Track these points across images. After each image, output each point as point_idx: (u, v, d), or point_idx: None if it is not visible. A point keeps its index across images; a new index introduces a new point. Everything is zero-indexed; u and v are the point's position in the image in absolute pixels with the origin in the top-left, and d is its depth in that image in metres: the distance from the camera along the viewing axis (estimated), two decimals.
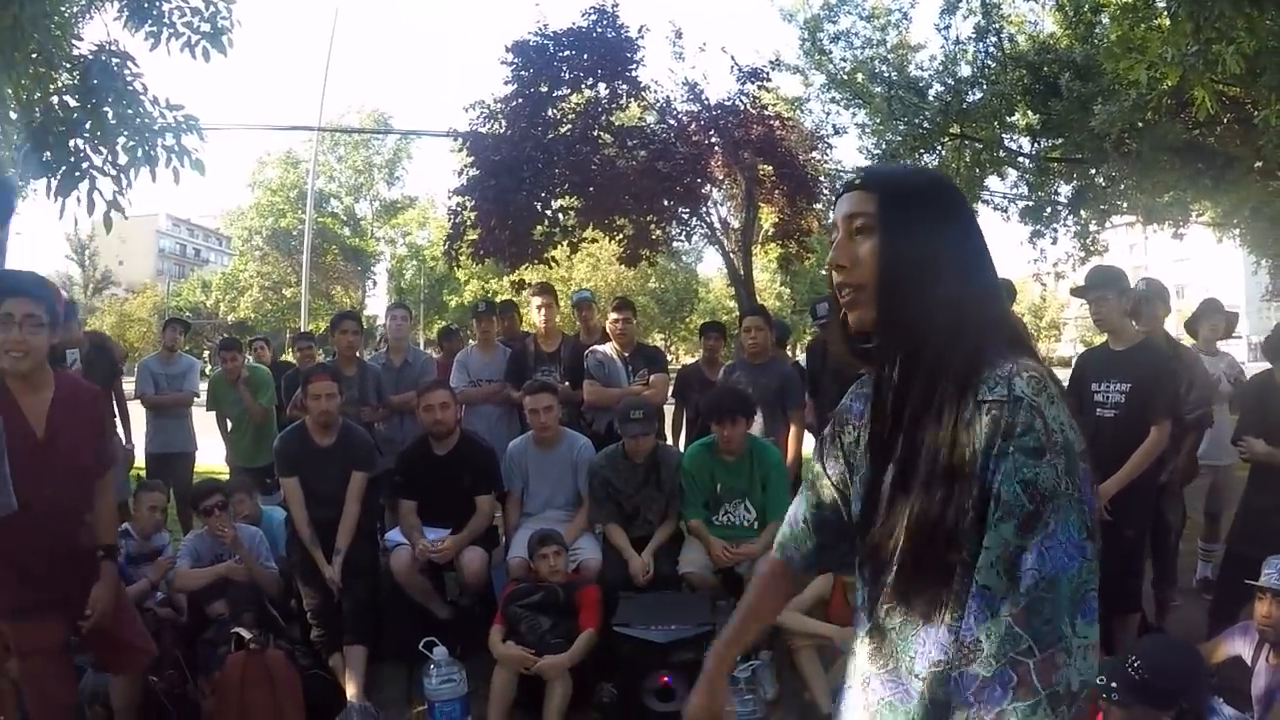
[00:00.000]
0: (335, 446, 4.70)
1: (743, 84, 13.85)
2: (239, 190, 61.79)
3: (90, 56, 7.24)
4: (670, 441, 5.84)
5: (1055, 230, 14.91)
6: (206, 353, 37.20)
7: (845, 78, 14.93)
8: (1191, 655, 3.33)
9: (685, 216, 14.29)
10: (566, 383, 5.84)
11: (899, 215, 1.32)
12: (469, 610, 4.85)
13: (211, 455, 7.61)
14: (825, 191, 15.44)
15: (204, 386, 7.51)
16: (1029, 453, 1.16)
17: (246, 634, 4.05)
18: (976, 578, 1.17)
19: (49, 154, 6.87)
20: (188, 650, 4.35)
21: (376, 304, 45.25)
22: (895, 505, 1.32)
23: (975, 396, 1.22)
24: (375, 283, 46.84)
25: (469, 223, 13.73)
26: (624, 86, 13.59)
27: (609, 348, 5.91)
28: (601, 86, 13.61)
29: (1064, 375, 4.62)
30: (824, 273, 1.45)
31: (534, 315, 6.28)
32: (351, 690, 4.18)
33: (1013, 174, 15.43)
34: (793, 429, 5.61)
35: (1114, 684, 2.95)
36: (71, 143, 6.93)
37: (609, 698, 4.15)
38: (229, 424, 6.98)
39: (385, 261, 45.84)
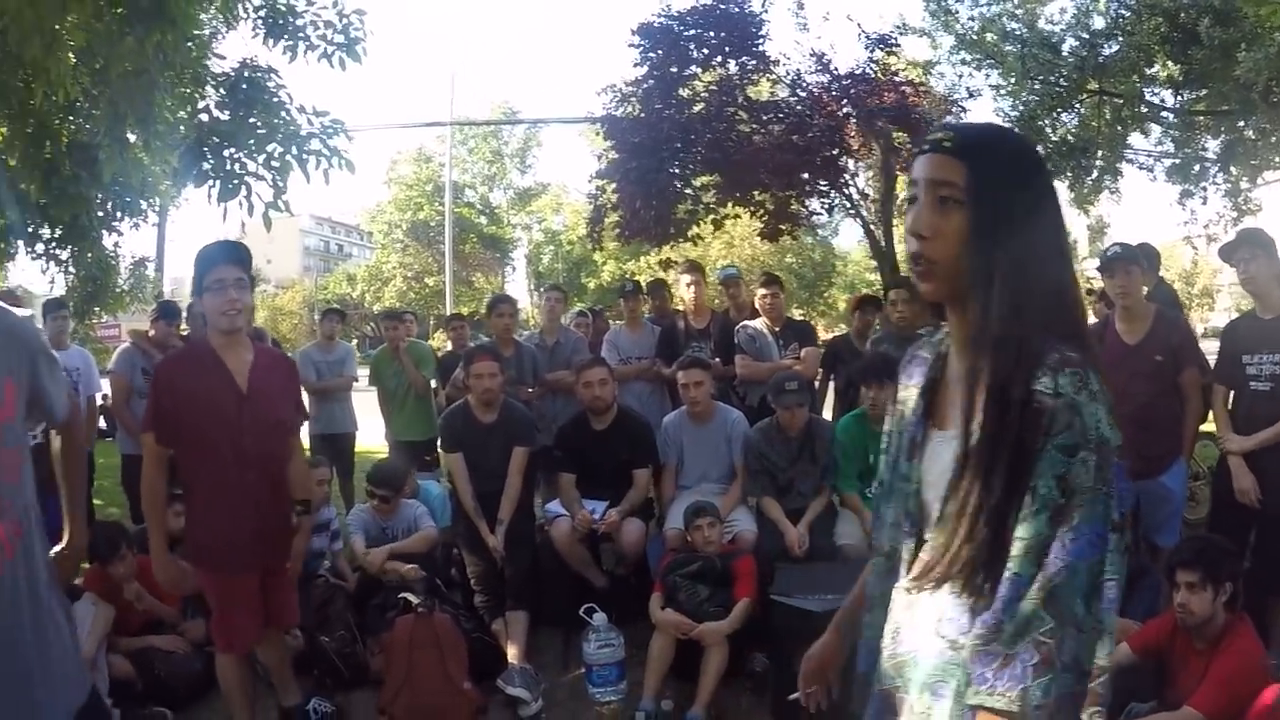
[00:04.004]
0: (497, 423, 4.85)
1: (871, 51, 13.54)
2: (375, 188, 63.96)
3: (233, 73, 7.73)
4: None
5: (1205, 189, 13.89)
6: (355, 340, 38.74)
7: (974, 38, 14.23)
8: None
9: (825, 189, 14.05)
10: (717, 358, 5.89)
11: (990, 192, 1.29)
12: (624, 580, 4.97)
13: (372, 435, 7.96)
14: None
15: (362, 372, 7.88)
16: (1064, 450, 1.20)
17: (414, 599, 4.23)
18: (1010, 564, 1.23)
19: (208, 165, 7.37)
20: (358, 614, 4.62)
21: (514, 289, 46.16)
22: (945, 473, 1.35)
23: (1029, 386, 1.23)
24: (514, 268, 47.86)
25: (610, 205, 13.88)
26: (752, 62, 13.47)
27: (759, 323, 5.95)
28: (731, 63, 13.51)
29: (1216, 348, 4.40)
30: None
31: (683, 293, 6.39)
32: (513, 653, 4.32)
33: (1156, 130, 14.31)
34: None
35: None
36: (226, 152, 7.42)
37: (760, 667, 4.19)
38: (389, 399, 7.23)
39: (522, 247, 46.73)
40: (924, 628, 1.41)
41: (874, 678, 1.53)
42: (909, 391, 1.52)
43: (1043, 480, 1.21)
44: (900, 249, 16.66)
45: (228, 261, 3.25)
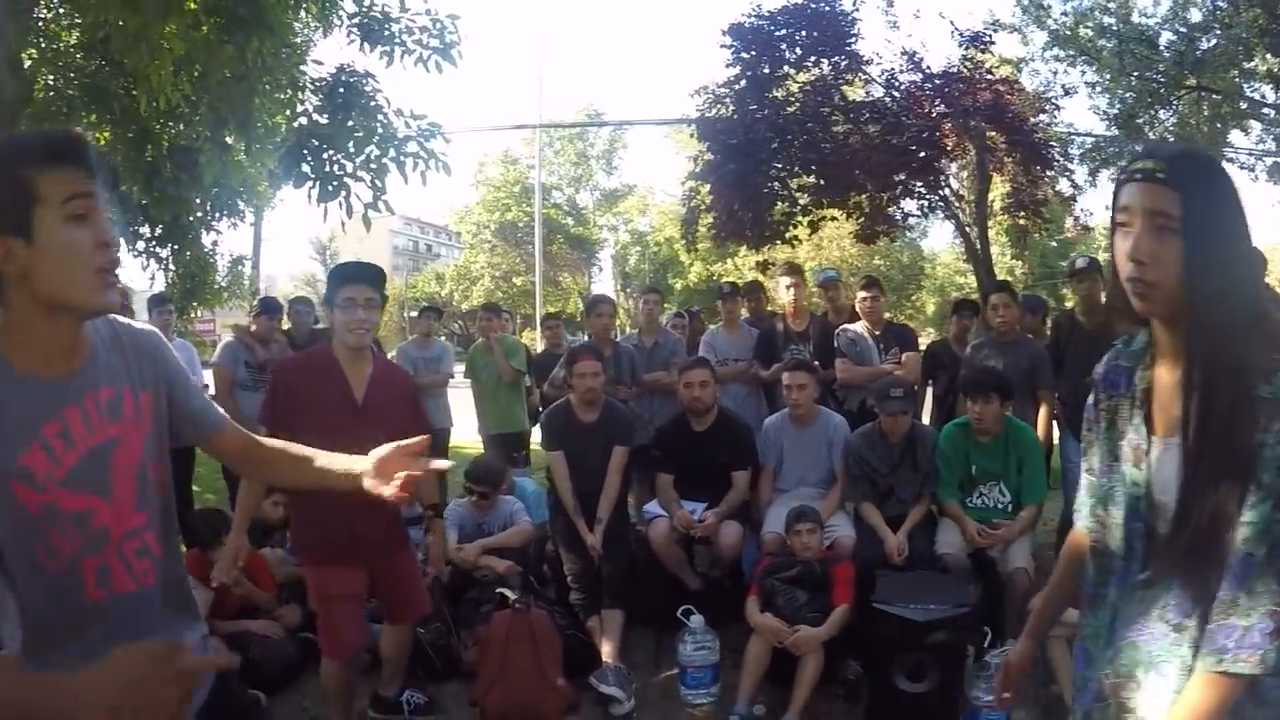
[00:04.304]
0: (599, 423, 4.85)
1: (965, 49, 13.21)
2: (463, 189, 64.70)
3: (331, 78, 7.94)
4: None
5: None
6: (443, 337, 39.40)
7: (1068, 33, 13.77)
8: None
9: (921, 191, 13.75)
10: (816, 362, 5.81)
11: (1206, 222, 1.41)
12: (718, 582, 4.95)
13: (466, 431, 8.08)
14: (1058, 157, 14.47)
15: (457, 369, 8.01)
16: None
17: (511, 594, 4.27)
18: (1242, 546, 1.36)
19: (308, 167, 7.59)
20: (452, 607, 4.67)
21: (601, 289, 46.31)
22: (1173, 475, 1.47)
23: (1246, 390, 1.37)
24: (600, 268, 48.14)
25: (704, 206, 13.82)
26: (845, 62, 13.26)
27: (860, 326, 5.90)
28: (824, 63, 13.33)
29: None
30: (1118, 261, 1.50)
31: (783, 295, 6.35)
32: (607, 650, 4.32)
33: (1257, 127, 13.79)
34: (1043, 409, 5.41)
35: None
36: (325, 155, 7.62)
37: (853, 675, 4.14)
38: (482, 393, 7.35)
39: (609, 248, 46.96)
40: (1150, 616, 1.52)
41: (1090, 672, 1.64)
42: (1117, 401, 1.63)
43: (1266, 471, 1.35)
44: (995, 250, 16.24)
45: (361, 281, 3.38)
